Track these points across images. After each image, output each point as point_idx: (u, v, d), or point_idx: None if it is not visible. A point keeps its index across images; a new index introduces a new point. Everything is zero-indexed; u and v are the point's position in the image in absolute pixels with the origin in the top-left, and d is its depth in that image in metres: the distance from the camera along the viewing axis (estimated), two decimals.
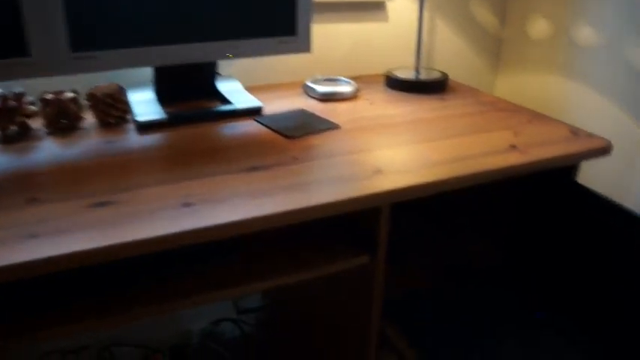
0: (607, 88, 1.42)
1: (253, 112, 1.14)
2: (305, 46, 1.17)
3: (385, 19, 1.51)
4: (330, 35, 1.44)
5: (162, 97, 1.18)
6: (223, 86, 1.24)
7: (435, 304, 1.07)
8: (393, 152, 0.97)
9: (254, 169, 0.89)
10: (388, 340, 1.02)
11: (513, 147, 1.02)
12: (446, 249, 1.31)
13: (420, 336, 1.00)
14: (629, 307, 0.92)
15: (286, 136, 1.02)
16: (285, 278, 0.87)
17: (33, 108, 1.05)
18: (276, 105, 1.21)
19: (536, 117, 1.20)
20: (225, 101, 1.17)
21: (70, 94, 1.06)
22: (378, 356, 1.03)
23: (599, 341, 0.98)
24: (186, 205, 0.77)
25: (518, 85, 1.70)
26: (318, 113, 1.16)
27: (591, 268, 0.99)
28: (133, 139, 1.02)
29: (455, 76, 1.69)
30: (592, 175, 1.51)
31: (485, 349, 0.97)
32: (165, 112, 1.10)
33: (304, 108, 1.19)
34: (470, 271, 1.19)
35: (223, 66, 1.34)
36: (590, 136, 1.09)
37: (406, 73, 1.39)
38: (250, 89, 1.32)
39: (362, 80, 1.45)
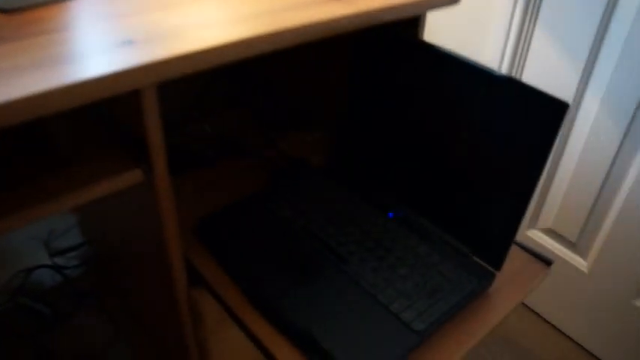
0: None
1: None
2: None
3: None
4: None
5: None
6: None
7: (263, 217, 0.80)
8: (161, 15, 0.65)
9: None
10: (199, 272, 0.75)
11: None
12: (269, 144, 1.03)
13: (241, 263, 0.73)
14: (489, 185, 0.70)
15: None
16: (22, 216, 0.56)
17: None
18: None
19: None
20: None
21: None
22: (189, 294, 0.76)
23: (455, 232, 0.76)
24: None
25: None
26: None
27: (445, 143, 0.75)
28: None
29: None
30: (437, 32, 1.28)
31: (331, 266, 0.72)
32: None
33: None
34: (302, 170, 0.92)
35: None
36: None
37: None
38: None
39: None
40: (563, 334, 1.36)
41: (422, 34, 0.83)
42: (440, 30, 1.27)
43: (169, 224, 0.67)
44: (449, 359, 0.64)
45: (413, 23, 0.82)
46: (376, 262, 0.73)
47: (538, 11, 1.11)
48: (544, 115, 0.63)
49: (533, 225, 1.33)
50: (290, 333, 0.65)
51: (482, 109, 0.69)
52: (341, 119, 0.89)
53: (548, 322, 1.38)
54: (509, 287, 0.74)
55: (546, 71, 1.15)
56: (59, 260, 1.34)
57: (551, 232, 1.31)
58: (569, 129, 1.17)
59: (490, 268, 0.73)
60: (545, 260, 0.79)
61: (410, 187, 0.81)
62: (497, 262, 0.72)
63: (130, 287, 1.09)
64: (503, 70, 1.21)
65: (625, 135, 1.07)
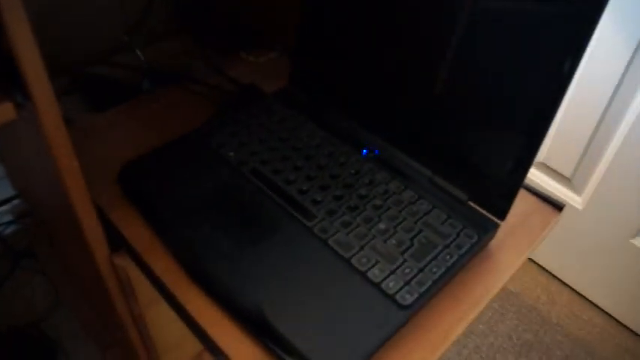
0: None
1: None
2: None
3: None
4: None
5: None
6: None
7: (203, 160, 0.62)
8: None
9: None
10: (120, 234, 0.57)
11: None
12: (214, 71, 0.83)
13: (174, 221, 0.55)
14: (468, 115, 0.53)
15: None
16: None
17: None
18: None
19: None
20: None
21: None
22: (113, 261, 0.58)
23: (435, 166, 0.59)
24: None
25: None
26: None
27: (435, 53, 0.56)
28: None
29: None
30: None
31: (290, 221, 0.55)
32: None
33: None
34: (252, 97, 0.73)
35: None
36: None
37: None
38: None
39: None
40: (554, 276, 1.23)
41: None
42: None
43: (67, 172, 0.49)
44: (445, 338, 0.48)
45: None
46: (348, 215, 0.55)
47: None
48: (572, 9, 0.45)
49: None
50: (237, 314, 0.48)
51: (484, 3, 0.51)
52: (298, 32, 0.70)
53: (538, 264, 1.25)
54: (515, 240, 0.58)
55: None
56: None
57: (542, 167, 1.15)
58: None
59: (493, 218, 0.56)
60: (554, 204, 0.63)
61: (388, 115, 0.63)
62: (502, 210, 0.55)
63: (63, 248, 0.91)
64: None
65: (632, 56, 0.91)
